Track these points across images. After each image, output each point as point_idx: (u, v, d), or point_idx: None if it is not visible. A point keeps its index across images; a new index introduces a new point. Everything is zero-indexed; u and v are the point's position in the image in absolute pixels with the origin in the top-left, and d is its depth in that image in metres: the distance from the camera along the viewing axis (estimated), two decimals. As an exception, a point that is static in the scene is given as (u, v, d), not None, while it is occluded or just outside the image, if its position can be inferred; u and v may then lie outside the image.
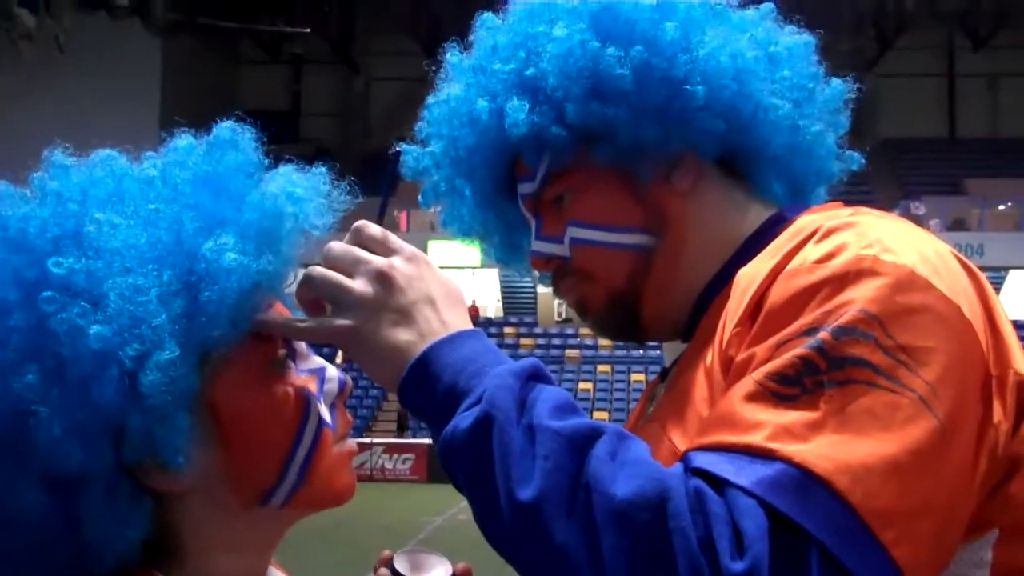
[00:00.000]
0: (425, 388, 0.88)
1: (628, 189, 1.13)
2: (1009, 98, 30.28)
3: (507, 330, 27.20)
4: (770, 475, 0.79)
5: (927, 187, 27.56)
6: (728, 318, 0.97)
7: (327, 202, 0.96)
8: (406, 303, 0.92)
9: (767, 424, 0.82)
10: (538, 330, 27.33)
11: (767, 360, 0.86)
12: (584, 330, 26.71)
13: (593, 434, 0.83)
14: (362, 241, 0.96)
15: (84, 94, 23.83)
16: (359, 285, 0.91)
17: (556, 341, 26.72)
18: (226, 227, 0.88)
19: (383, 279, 0.92)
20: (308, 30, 25.54)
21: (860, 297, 0.86)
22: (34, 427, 0.80)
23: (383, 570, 1.02)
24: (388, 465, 20.90)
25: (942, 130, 30.90)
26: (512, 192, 1.22)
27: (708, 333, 1.03)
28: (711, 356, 0.99)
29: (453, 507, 15.89)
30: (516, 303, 28.64)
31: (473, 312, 27.49)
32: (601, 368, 25.43)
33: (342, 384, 0.96)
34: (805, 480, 0.79)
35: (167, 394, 0.82)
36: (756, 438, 0.82)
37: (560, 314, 28.36)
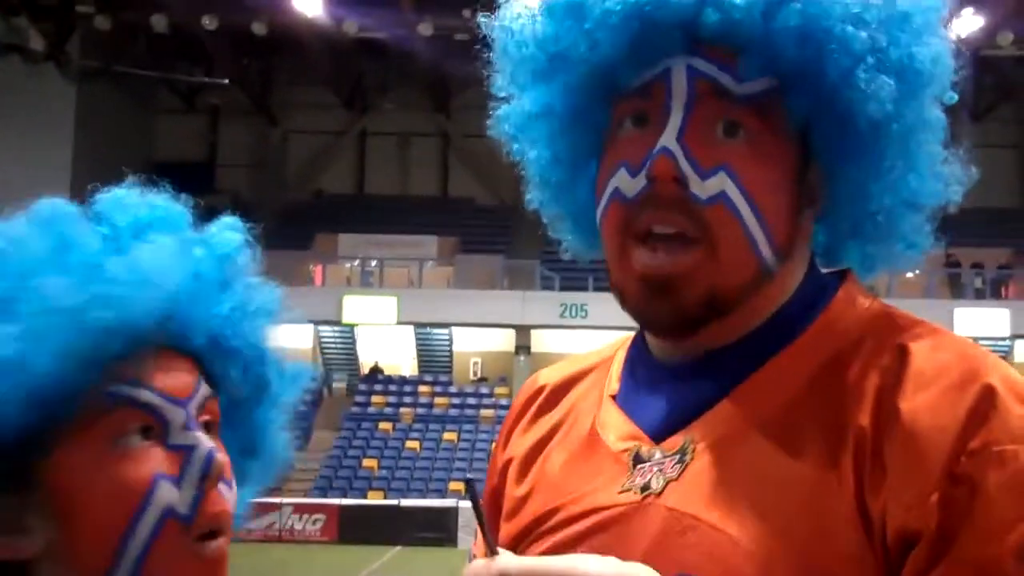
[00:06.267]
0: None
1: (791, 186, 0.95)
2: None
3: (422, 388, 27.02)
4: None
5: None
6: (881, 450, 0.86)
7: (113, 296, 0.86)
8: None
9: None
10: (453, 389, 27.19)
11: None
12: (499, 389, 26.67)
13: None
14: None
15: (-5, 139, 23.32)
16: None
17: (471, 400, 26.60)
18: (14, 319, 0.82)
19: None
20: (227, 81, 25.38)
21: None
22: None
23: None
24: (298, 526, 20.47)
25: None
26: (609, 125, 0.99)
27: (791, 414, 0.90)
28: (830, 485, 0.87)
29: (363, 569, 15.61)
30: (431, 361, 28.50)
31: (376, 371, 27.31)
32: (515, 427, 25.34)
33: (206, 465, 0.85)
34: None
35: None
36: None
37: (475, 373, 28.31)
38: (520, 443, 1.07)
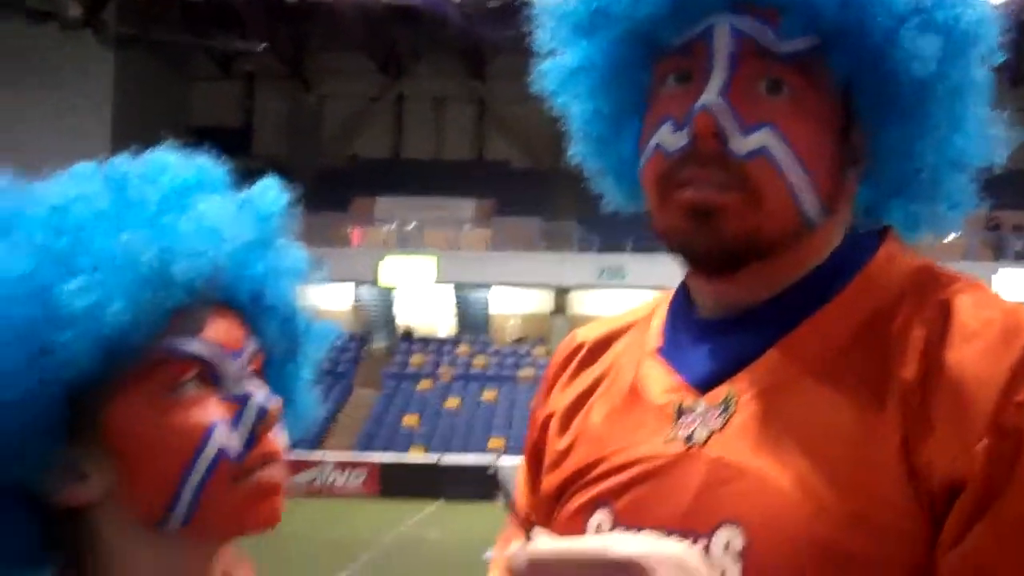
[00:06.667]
0: None
1: (833, 143, 0.96)
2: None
3: (460, 348, 27.16)
4: None
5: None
6: (927, 402, 0.87)
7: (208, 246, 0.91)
8: None
9: None
10: (491, 349, 27.31)
11: None
12: (538, 349, 26.73)
13: None
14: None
15: (35, 106, 23.54)
16: None
17: (509, 360, 26.71)
18: (83, 272, 0.86)
19: None
20: (261, 46, 25.39)
21: None
22: None
23: None
24: (340, 480, 20.74)
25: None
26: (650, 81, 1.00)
27: (835, 367, 0.92)
28: (874, 435, 0.88)
29: (404, 523, 15.80)
30: (470, 321, 28.61)
31: (408, 333, 27.44)
32: (554, 386, 25.39)
33: (261, 412, 0.90)
34: None
35: (23, 429, 0.84)
36: None
37: (513, 334, 28.37)
38: (561, 398, 1.09)
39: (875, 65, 0.93)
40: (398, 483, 20.16)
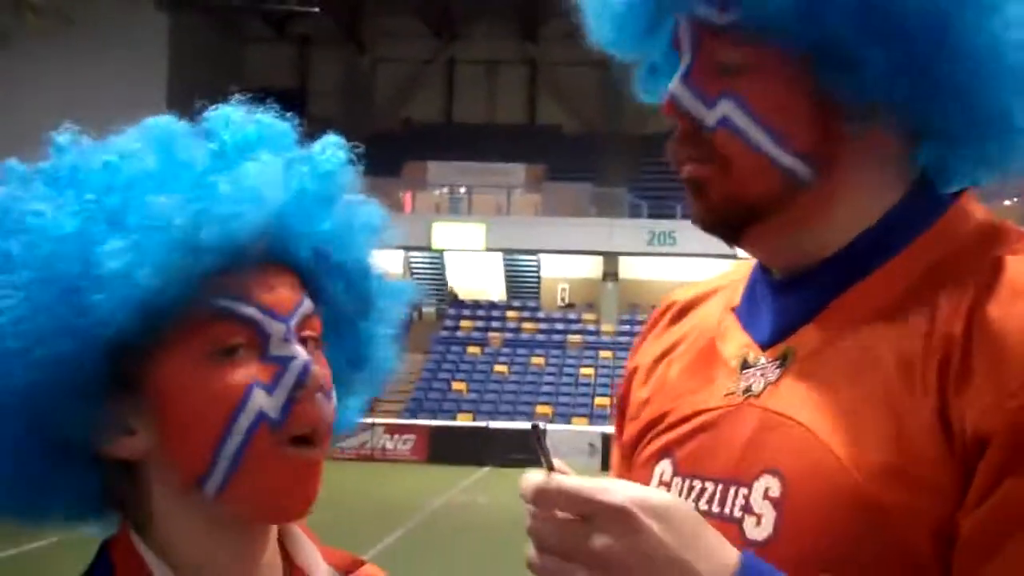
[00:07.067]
0: None
1: (811, 104, 0.96)
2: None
3: (510, 314, 27.23)
4: None
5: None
6: (967, 355, 0.87)
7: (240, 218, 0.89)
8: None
9: None
10: (541, 314, 27.36)
11: None
12: (587, 315, 26.73)
13: None
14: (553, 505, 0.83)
15: (91, 68, 23.85)
16: None
17: (559, 326, 26.75)
18: (123, 232, 0.86)
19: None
20: (316, 9, 25.46)
21: None
22: None
23: None
24: (389, 445, 20.97)
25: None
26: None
27: (883, 326, 0.93)
28: (914, 390, 0.89)
29: (452, 488, 15.95)
30: (520, 287, 28.66)
31: (454, 296, 27.51)
32: (603, 354, 25.45)
33: (301, 375, 0.89)
34: None
35: (64, 386, 0.85)
36: None
37: (563, 299, 28.39)
38: (647, 353, 1.15)
39: (789, 21, 0.92)
40: (447, 448, 20.33)
